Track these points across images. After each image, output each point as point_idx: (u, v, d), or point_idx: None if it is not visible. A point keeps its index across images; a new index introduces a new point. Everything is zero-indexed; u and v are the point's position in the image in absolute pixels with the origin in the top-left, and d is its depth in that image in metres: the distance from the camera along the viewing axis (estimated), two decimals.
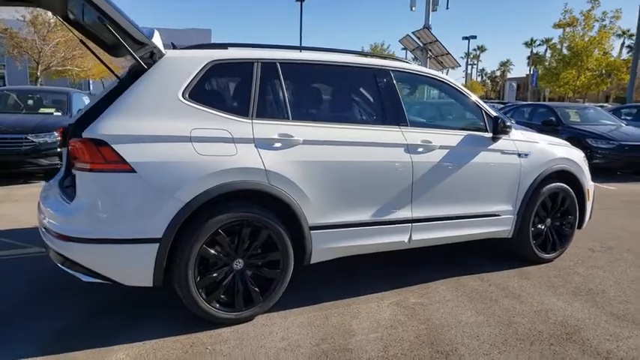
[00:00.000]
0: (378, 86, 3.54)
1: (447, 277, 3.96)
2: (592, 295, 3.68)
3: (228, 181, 2.86)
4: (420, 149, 3.55)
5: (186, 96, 2.91)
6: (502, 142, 3.97)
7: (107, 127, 2.71)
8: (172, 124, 2.83)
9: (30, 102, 9.18)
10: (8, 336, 2.84)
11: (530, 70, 62.41)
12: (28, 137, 7.51)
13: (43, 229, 2.99)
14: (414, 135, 3.55)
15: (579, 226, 4.60)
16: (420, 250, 3.84)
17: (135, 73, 3.76)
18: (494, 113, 4.00)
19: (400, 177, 3.47)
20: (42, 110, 8.92)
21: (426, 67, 15.80)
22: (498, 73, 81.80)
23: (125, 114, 2.78)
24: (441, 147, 3.64)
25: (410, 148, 3.50)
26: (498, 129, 3.87)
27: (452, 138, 3.75)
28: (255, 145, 2.99)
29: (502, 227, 4.07)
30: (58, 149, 7.81)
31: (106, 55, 3.92)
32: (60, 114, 8.74)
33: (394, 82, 3.59)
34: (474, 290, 3.72)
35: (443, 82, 3.97)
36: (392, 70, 3.63)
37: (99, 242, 2.69)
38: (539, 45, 67.87)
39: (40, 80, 18.36)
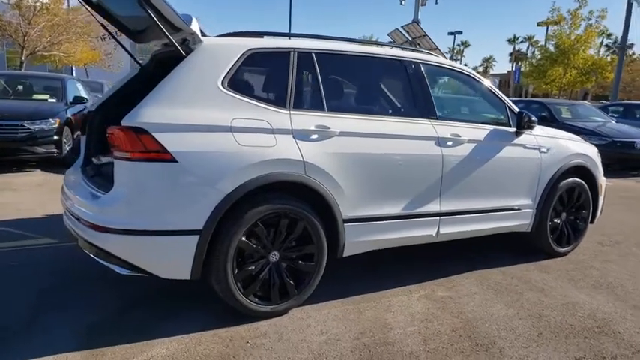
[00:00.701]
0: (410, 78, 3.52)
1: (468, 271, 3.98)
2: (612, 289, 3.75)
3: (268, 173, 2.81)
4: (450, 143, 3.54)
5: (225, 85, 2.85)
6: (524, 137, 4.00)
7: (147, 115, 2.63)
8: (212, 113, 2.77)
9: (23, 88, 8.91)
10: (44, 329, 2.75)
11: (512, 67, 63.17)
12: (24, 124, 7.29)
13: (74, 219, 2.90)
14: (444, 128, 3.55)
15: (592, 221, 4.68)
16: (438, 243, 3.83)
17: (160, 61, 3.69)
18: (517, 108, 4.02)
19: (431, 170, 3.46)
20: (36, 96, 8.66)
21: None
22: (481, 69, 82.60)
23: (164, 102, 2.70)
24: (469, 141, 3.65)
25: (440, 142, 3.50)
26: (523, 124, 3.89)
27: (478, 132, 3.76)
28: (293, 137, 2.95)
29: (522, 221, 4.11)
30: (55, 137, 7.63)
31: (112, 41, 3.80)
32: (55, 100, 8.50)
33: (424, 74, 3.58)
34: (497, 283, 3.75)
35: (469, 75, 3.98)
36: (422, 63, 3.61)
37: (138, 234, 2.62)
38: (522, 42, 68.88)
39: (24, 65, 17.83)
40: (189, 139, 2.66)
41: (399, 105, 3.61)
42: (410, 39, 22.91)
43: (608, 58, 22.38)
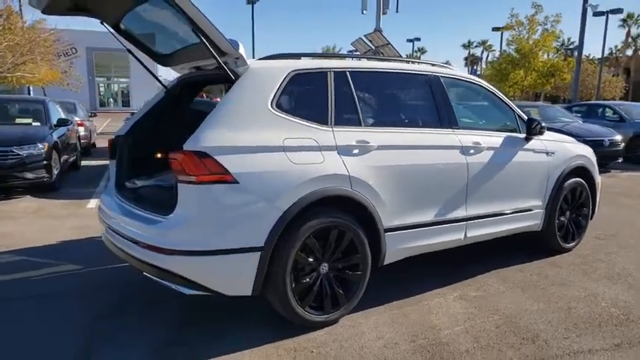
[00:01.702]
0: (432, 91, 3.72)
1: (488, 271, 4.18)
2: (624, 279, 4.04)
3: (319, 188, 2.94)
4: (472, 151, 3.76)
5: (274, 106, 2.96)
6: (533, 142, 4.28)
7: (208, 139, 2.71)
8: (266, 134, 2.88)
9: (4, 112, 8.65)
10: (106, 357, 2.77)
11: (468, 70, 65.13)
12: (13, 150, 7.10)
13: (131, 242, 2.92)
14: (466, 137, 3.77)
15: (591, 217, 5.00)
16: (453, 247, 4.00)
17: (187, 84, 3.77)
18: (525, 116, 4.30)
19: (458, 177, 3.67)
20: (19, 120, 8.43)
21: None
22: None
23: (222, 125, 2.80)
24: (488, 148, 3.88)
25: (464, 150, 3.71)
26: (534, 130, 4.16)
27: (494, 139, 4.00)
28: (337, 152, 3.09)
29: (534, 221, 4.37)
30: (45, 162, 7.45)
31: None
32: (39, 124, 8.30)
33: (445, 86, 3.79)
34: (520, 281, 3.98)
35: (480, 85, 4.23)
36: (441, 76, 3.83)
37: (204, 254, 2.70)
38: (476, 47, 71.25)
39: None
40: (247, 160, 2.77)
41: (425, 117, 3.79)
42: (373, 47, 23.41)
43: (555, 59, 23.44)
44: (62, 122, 8.70)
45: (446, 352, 2.84)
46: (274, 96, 2.98)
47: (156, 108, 3.84)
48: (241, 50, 2.96)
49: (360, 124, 3.28)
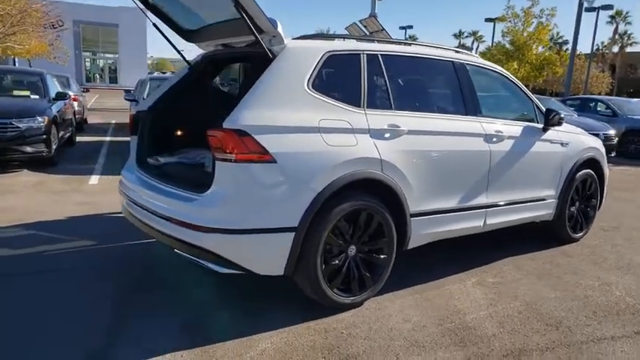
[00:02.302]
0: (459, 78, 3.72)
1: (502, 259, 4.24)
2: (633, 269, 4.14)
3: (352, 171, 2.94)
4: (495, 139, 3.79)
5: (310, 87, 2.93)
6: (550, 133, 4.32)
7: (247, 117, 2.68)
8: (302, 114, 2.86)
9: (1, 83, 8.43)
10: (137, 332, 2.76)
11: None
12: (13, 122, 6.93)
13: (163, 220, 2.89)
14: (489, 125, 3.79)
15: (598, 208, 5.09)
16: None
17: (212, 61, 3.72)
18: (543, 107, 4.34)
19: (481, 165, 3.70)
20: (17, 93, 8.22)
21: None
22: None
23: (260, 104, 2.76)
24: (509, 137, 3.91)
25: (487, 138, 3.73)
26: (552, 121, 4.20)
27: (515, 128, 4.03)
28: (370, 136, 3.08)
29: (547, 211, 4.44)
30: (44, 135, 7.30)
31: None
32: (37, 97, 8.11)
33: (471, 74, 3.80)
34: (534, 269, 4.04)
35: (502, 75, 4.24)
36: (467, 64, 3.83)
37: (240, 232, 2.68)
38: (467, 37, 71.30)
39: None
40: (284, 140, 2.74)
41: (452, 103, 3.80)
42: (367, 33, 23.30)
43: (548, 53, 23.56)
44: (60, 96, 8.52)
45: (473, 335, 2.89)
46: (310, 76, 2.95)
47: (179, 84, 3.78)
48: (279, 29, 2.91)
49: (391, 108, 3.27)
